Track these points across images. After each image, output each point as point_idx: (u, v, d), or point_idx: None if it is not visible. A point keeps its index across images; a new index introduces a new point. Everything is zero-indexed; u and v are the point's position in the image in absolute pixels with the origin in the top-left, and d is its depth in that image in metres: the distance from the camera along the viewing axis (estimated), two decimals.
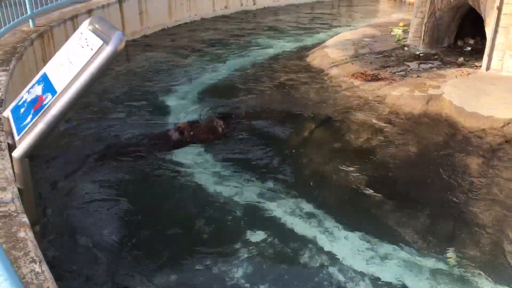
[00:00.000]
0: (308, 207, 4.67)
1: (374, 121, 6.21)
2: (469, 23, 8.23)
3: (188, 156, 5.67)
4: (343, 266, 3.88)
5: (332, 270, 3.84)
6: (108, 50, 2.89)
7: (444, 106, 6.25)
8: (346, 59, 8.26)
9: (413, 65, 7.76)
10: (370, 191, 4.92)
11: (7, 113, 3.47)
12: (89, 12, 9.03)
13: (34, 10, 7.30)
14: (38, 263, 2.23)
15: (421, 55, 8.18)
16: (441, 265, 3.90)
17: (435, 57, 8.03)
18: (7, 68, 5.38)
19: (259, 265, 3.90)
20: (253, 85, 7.87)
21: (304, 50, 9.71)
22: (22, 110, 3.25)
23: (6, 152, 3.32)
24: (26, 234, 2.45)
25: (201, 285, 3.73)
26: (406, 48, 8.58)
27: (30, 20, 7.31)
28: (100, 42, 3.03)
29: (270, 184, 5.07)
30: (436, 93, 6.51)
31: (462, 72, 7.21)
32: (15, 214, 2.62)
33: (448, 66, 7.57)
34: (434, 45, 8.33)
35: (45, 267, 2.22)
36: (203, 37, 11.17)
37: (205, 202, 4.78)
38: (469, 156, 5.36)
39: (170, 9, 11.80)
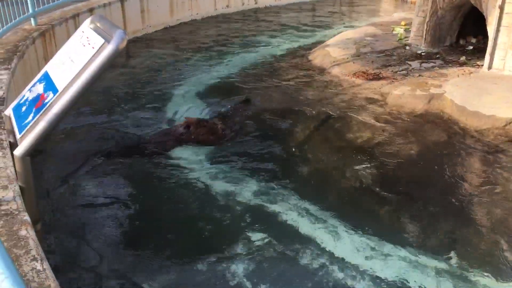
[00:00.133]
0: (309, 206, 4.67)
1: (375, 120, 6.20)
2: (471, 22, 8.22)
3: (189, 155, 5.67)
4: (345, 264, 3.88)
5: (334, 268, 3.83)
6: (109, 48, 2.89)
7: (445, 105, 6.24)
8: (347, 58, 8.25)
9: (415, 64, 7.75)
10: (371, 190, 4.91)
11: (9, 111, 3.48)
12: (91, 10, 9.03)
13: (36, 9, 7.30)
14: (39, 261, 2.23)
15: (423, 54, 8.16)
16: (442, 264, 3.89)
17: (437, 56, 8.02)
18: (9, 66, 5.38)
19: (261, 264, 3.89)
20: (254, 84, 7.87)
21: (305, 49, 9.71)
22: (24, 108, 3.25)
23: (8, 150, 3.33)
24: (27, 232, 2.45)
25: (203, 284, 3.73)
26: (407, 47, 8.57)
27: (32, 19, 7.32)
28: (101, 40, 3.03)
29: (271, 183, 5.07)
30: (437, 92, 6.50)
31: (464, 71, 7.19)
32: (17, 212, 2.63)
33: (450, 65, 7.56)
34: (436, 44, 8.31)
35: (46, 265, 2.22)
36: (205, 36, 11.16)
37: (206, 201, 4.78)
38: (471, 155, 5.35)
39: (172, 8, 11.80)
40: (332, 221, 4.42)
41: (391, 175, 5.17)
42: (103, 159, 5.54)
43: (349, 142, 5.84)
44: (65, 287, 2.35)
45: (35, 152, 2.97)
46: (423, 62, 7.78)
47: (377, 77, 7.32)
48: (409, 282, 3.71)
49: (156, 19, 11.32)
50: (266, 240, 4.16)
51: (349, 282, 3.71)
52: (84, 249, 4.07)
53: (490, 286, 3.68)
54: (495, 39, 6.82)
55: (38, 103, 3.11)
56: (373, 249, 4.06)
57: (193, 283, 3.73)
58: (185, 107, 7.06)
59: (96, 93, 7.32)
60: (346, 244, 4.13)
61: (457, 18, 8.20)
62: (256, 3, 14.00)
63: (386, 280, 3.73)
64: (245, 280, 3.73)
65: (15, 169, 3.03)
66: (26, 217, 2.58)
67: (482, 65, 7.15)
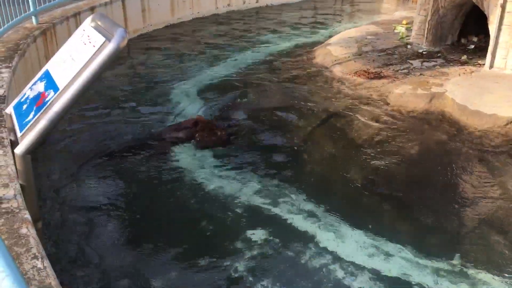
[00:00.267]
0: (310, 205, 4.67)
1: (376, 119, 6.20)
2: (473, 20, 8.20)
3: (190, 155, 5.67)
4: (346, 263, 3.88)
5: (335, 267, 3.84)
6: (110, 47, 2.88)
7: (447, 104, 6.23)
8: (349, 56, 8.24)
9: (416, 63, 7.73)
10: (372, 189, 4.91)
11: (10, 109, 3.48)
12: (92, 9, 9.03)
13: (37, 7, 7.30)
14: (40, 260, 2.24)
15: (424, 53, 8.15)
16: (443, 264, 3.89)
17: (438, 55, 8.00)
18: (10, 65, 5.38)
19: (262, 263, 3.90)
20: (255, 83, 7.86)
21: (306, 48, 9.70)
22: (25, 106, 3.25)
23: (9, 148, 3.33)
24: (28, 231, 2.46)
25: (204, 283, 3.73)
26: (409, 46, 8.55)
27: (33, 17, 7.31)
28: (102, 39, 3.03)
29: (271, 182, 5.07)
30: (439, 91, 6.49)
31: (465, 70, 7.18)
32: (17, 210, 2.63)
33: (451, 64, 7.54)
34: (437, 43, 8.30)
35: (47, 263, 2.22)
36: (206, 34, 11.15)
37: (207, 200, 4.78)
38: (472, 154, 5.35)
39: (173, 7, 11.79)
40: (333, 220, 4.42)
41: (391, 174, 5.17)
42: (105, 158, 5.54)
43: (350, 141, 5.84)
44: (66, 286, 2.35)
45: (36, 150, 2.96)
46: (424, 61, 7.76)
47: (378, 76, 7.31)
48: (410, 281, 3.71)
49: (157, 18, 11.31)
50: (267, 239, 4.17)
51: (350, 281, 3.71)
52: (85, 247, 4.07)
53: (491, 285, 3.68)
54: (497, 38, 6.80)
55: (39, 102, 3.11)
56: (374, 247, 4.06)
57: (195, 282, 3.74)
58: (186, 106, 7.06)
59: (97, 92, 7.33)
60: (347, 242, 4.13)
61: (459, 17, 8.18)
62: (257, 1, 13.98)
63: (387, 279, 3.73)
64: (246, 279, 3.73)
65: (15, 168, 3.03)
66: (27, 215, 2.58)
67: (484, 64, 7.14)
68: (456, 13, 8.09)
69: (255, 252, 4.01)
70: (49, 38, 7.41)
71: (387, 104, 6.55)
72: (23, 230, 2.46)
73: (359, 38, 9.21)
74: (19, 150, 2.91)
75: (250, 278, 3.73)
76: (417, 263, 3.89)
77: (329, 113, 6.49)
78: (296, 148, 5.79)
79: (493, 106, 5.85)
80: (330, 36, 10.04)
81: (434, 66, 7.51)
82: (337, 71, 7.82)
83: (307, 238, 4.18)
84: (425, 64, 7.65)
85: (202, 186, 5.00)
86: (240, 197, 4.79)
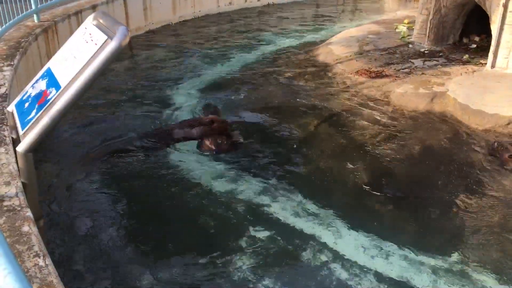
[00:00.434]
0: (311, 204, 4.66)
1: (378, 118, 6.20)
2: (475, 20, 8.19)
3: (191, 154, 5.67)
4: (347, 262, 3.88)
5: (336, 266, 3.83)
6: (112, 45, 2.88)
7: (448, 104, 6.22)
8: (350, 56, 8.24)
9: (418, 62, 7.73)
10: (373, 189, 4.90)
11: (12, 107, 3.48)
12: (94, 7, 9.03)
13: (39, 6, 7.30)
14: (42, 257, 2.24)
15: (426, 52, 8.14)
16: (444, 264, 3.88)
17: (440, 54, 8.00)
18: (12, 63, 5.38)
19: (263, 262, 3.89)
20: (257, 81, 7.86)
21: (308, 47, 9.69)
22: (27, 104, 3.25)
23: (11, 146, 3.33)
24: (30, 229, 2.46)
25: (205, 281, 3.73)
26: (410, 45, 8.55)
27: (34, 15, 7.32)
28: (104, 37, 3.02)
29: (272, 181, 5.07)
30: (440, 90, 6.49)
31: (467, 69, 7.17)
32: (19, 208, 2.63)
33: (453, 63, 7.53)
34: (439, 42, 8.29)
35: (49, 261, 2.23)
36: (207, 33, 11.15)
37: (208, 199, 4.78)
38: (474, 154, 5.34)
39: (174, 5, 11.78)
40: (334, 219, 4.42)
41: (393, 173, 5.17)
42: (106, 156, 5.54)
43: (352, 140, 5.83)
44: (67, 283, 2.36)
45: (38, 148, 2.97)
46: (426, 60, 7.76)
47: (380, 75, 7.31)
48: (410, 281, 3.71)
49: (158, 16, 11.31)
50: (267, 239, 4.16)
51: (351, 280, 3.71)
52: (87, 245, 4.07)
53: (491, 285, 3.67)
54: (499, 37, 6.80)
55: (40, 100, 3.11)
56: (375, 247, 4.06)
57: (196, 280, 3.74)
58: (188, 103, 7.05)
59: (99, 90, 7.33)
60: (348, 242, 4.13)
61: (461, 16, 8.17)
62: (259, 0, 13.97)
63: (387, 279, 3.73)
64: (246, 278, 3.73)
65: (17, 166, 3.03)
66: (29, 213, 2.58)
67: (485, 64, 7.13)
68: (458, 12, 8.08)
69: (256, 251, 4.01)
70: (51, 36, 7.41)
71: (389, 103, 6.55)
72: (25, 228, 2.46)
73: (361, 37, 9.20)
74: (21, 148, 2.91)
75: (252, 277, 3.73)
76: (419, 263, 3.89)
77: (331, 112, 6.48)
78: (296, 146, 5.78)
79: (495, 106, 5.85)
80: (332, 35, 10.03)
81: (435, 65, 7.51)
82: (339, 70, 7.82)
83: (308, 237, 4.18)
84: (427, 63, 7.64)
85: (203, 185, 4.99)
86: (241, 196, 4.79)
